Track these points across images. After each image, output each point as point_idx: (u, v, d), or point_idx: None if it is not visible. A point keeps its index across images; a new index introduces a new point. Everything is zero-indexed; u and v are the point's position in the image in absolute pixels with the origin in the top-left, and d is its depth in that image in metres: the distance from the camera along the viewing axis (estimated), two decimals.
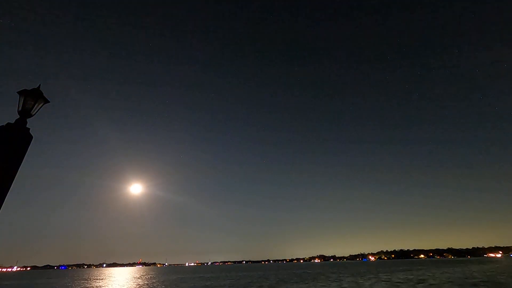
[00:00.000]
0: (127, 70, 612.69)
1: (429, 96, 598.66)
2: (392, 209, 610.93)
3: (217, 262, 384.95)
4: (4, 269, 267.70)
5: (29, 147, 3.61)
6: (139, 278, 51.20)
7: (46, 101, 4.13)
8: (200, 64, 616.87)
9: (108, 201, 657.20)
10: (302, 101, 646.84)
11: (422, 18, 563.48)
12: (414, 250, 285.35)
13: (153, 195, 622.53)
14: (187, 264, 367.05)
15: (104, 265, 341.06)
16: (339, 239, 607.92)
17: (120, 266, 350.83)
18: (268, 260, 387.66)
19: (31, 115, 3.92)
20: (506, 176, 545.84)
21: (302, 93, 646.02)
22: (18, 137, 3.52)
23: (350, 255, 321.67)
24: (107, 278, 54.87)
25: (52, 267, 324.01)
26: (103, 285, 35.22)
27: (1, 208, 3.12)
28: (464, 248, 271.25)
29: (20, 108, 3.84)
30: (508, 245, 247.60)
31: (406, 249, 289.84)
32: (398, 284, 23.97)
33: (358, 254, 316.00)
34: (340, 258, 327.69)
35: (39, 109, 4.06)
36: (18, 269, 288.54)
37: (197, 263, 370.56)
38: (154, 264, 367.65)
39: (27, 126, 3.74)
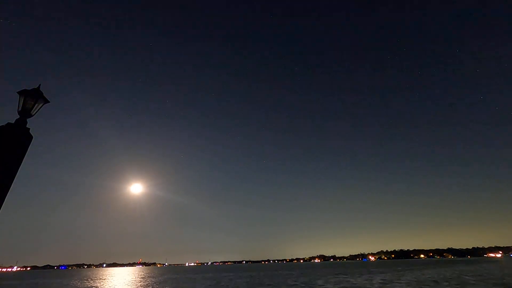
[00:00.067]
0: (127, 70, 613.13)
1: (430, 96, 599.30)
2: (392, 209, 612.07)
3: (217, 262, 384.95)
4: (4, 269, 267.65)
5: (29, 147, 3.62)
6: (139, 278, 51.23)
7: (46, 101, 4.13)
8: (200, 64, 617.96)
9: (108, 201, 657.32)
10: (302, 101, 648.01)
11: (422, 18, 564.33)
12: (414, 250, 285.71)
13: (153, 195, 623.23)
14: (187, 264, 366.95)
15: (104, 265, 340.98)
16: (339, 239, 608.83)
17: (120, 266, 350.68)
18: (268, 260, 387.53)
19: (31, 115, 3.93)
20: (506, 176, 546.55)
21: (302, 93, 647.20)
22: (18, 137, 3.53)
23: (350, 255, 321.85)
24: (107, 278, 54.89)
25: (52, 267, 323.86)
26: (103, 285, 35.24)
27: (1, 208, 3.12)
28: (464, 248, 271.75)
29: (20, 108, 3.85)
30: (508, 245, 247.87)
31: (406, 249, 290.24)
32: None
33: (358, 254, 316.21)
34: (340, 258, 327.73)
35: (39, 109, 4.06)
36: (18, 269, 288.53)
37: (197, 263, 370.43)
38: (154, 264, 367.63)
39: (27, 126, 3.74)
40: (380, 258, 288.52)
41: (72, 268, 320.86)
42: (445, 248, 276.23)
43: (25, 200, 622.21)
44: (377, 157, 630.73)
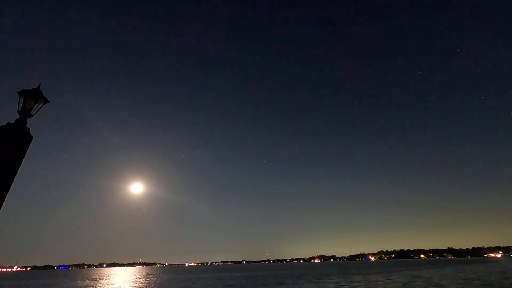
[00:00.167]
0: (127, 70, 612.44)
1: (430, 96, 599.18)
2: (392, 209, 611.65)
3: (217, 262, 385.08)
4: (4, 269, 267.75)
5: (29, 147, 3.62)
6: (139, 278, 51.22)
7: (46, 101, 4.13)
8: (200, 64, 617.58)
9: (108, 201, 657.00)
10: (302, 101, 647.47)
11: (423, 19, 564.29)
12: (414, 250, 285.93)
13: (153, 195, 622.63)
14: (187, 264, 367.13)
15: (104, 265, 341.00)
16: (339, 239, 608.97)
17: (120, 266, 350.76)
18: (268, 260, 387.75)
19: (31, 115, 3.92)
20: (506, 176, 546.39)
21: (302, 93, 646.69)
22: (18, 137, 3.52)
23: (350, 255, 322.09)
24: (107, 278, 54.88)
25: (52, 267, 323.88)
26: (103, 285, 35.22)
27: (1, 208, 3.12)
28: (464, 248, 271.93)
29: (20, 108, 3.84)
30: (508, 245, 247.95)
31: (406, 249, 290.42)
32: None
33: (358, 254, 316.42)
34: (340, 258, 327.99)
35: (39, 109, 4.06)
36: (18, 269, 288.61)
37: (197, 263, 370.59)
38: (154, 264, 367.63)
39: (27, 126, 3.74)
40: (380, 258, 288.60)
41: (72, 268, 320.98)
42: (445, 248, 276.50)
43: (25, 200, 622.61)
44: (377, 157, 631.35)
